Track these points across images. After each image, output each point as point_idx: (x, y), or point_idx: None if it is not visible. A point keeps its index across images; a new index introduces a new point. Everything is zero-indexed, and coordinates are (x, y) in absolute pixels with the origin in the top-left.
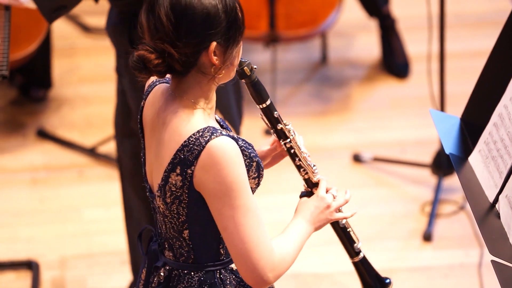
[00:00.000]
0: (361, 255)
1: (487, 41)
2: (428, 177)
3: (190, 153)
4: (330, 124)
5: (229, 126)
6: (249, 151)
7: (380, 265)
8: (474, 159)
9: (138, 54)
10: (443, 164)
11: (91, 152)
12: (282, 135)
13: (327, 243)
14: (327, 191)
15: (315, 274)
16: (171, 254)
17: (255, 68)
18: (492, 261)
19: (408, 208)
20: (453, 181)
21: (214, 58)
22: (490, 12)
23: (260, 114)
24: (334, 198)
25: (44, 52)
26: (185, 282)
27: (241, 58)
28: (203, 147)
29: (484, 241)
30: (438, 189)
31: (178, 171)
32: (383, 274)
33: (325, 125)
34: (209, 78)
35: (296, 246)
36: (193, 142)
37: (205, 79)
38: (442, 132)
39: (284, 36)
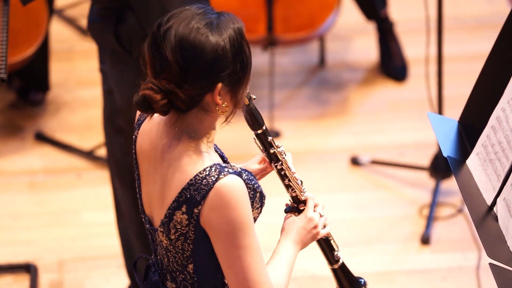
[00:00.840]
0: (340, 261)
1: (485, 44)
2: (426, 180)
3: (197, 192)
4: (328, 127)
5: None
6: (253, 182)
7: (378, 268)
8: (472, 162)
9: (143, 94)
10: (441, 167)
11: (90, 155)
12: (274, 158)
13: None
14: (314, 209)
15: (314, 277)
16: (174, 286)
17: (254, 98)
18: (490, 264)
19: (406, 211)
20: (451, 184)
21: (219, 98)
22: (488, 15)
23: (254, 138)
24: (320, 216)
25: (42, 55)
26: None
27: None
28: (211, 187)
29: (482, 244)
30: (436, 192)
31: (184, 209)
32: (382, 276)
33: (323, 128)
34: (210, 115)
35: (287, 272)
36: (200, 181)
37: (207, 116)
38: (440, 135)
39: (282, 39)
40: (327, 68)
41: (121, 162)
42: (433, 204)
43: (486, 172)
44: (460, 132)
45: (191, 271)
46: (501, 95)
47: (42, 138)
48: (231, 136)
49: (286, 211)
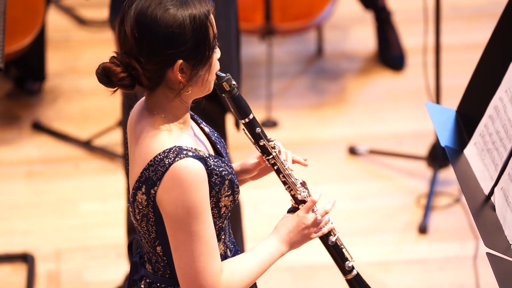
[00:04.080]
0: (354, 272)
1: (483, 34)
2: (424, 169)
3: (154, 173)
4: (326, 117)
5: (222, 141)
6: (221, 169)
7: (376, 258)
8: (470, 151)
9: (104, 66)
10: (438, 157)
11: (87, 145)
12: (265, 151)
13: None
14: (312, 211)
15: (310, 266)
16: (150, 267)
17: (234, 84)
18: (488, 254)
19: (404, 201)
20: (448, 173)
21: (181, 75)
22: (486, 4)
23: (243, 129)
24: (316, 219)
25: (39, 44)
26: None
27: (220, 73)
28: (167, 168)
29: (480, 234)
30: (433, 181)
31: (143, 189)
32: (379, 266)
33: (321, 118)
34: (176, 94)
35: (256, 268)
36: (157, 162)
37: (173, 95)
38: (438, 124)
39: (279, 29)
40: (325, 57)
41: None
42: (431, 194)
43: (483, 162)
44: (458, 121)
45: (160, 253)
46: (499, 85)
47: (39, 127)
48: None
49: (288, 211)
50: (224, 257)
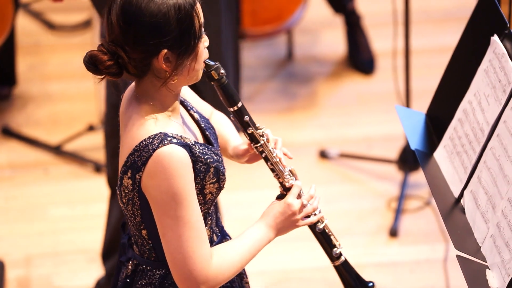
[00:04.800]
0: (342, 258)
1: (451, 37)
2: (394, 173)
3: (139, 158)
4: (297, 121)
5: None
6: (206, 157)
7: None
8: (440, 154)
9: (91, 54)
10: (409, 160)
11: (57, 150)
12: (253, 138)
13: (296, 239)
14: (299, 197)
15: (284, 271)
16: (137, 249)
17: (223, 73)
18: (458, 256)
19: (375, 204)
20: (419, 176)
21: (165, 64)
22: (454, 8)
23: (231, 116)
24: (303, 205)
25: (9, 49)
26: (147, 278)
27: (210, 61)
28: (151, 154)
29: (450, 236)
30: (404, 184)
31: (129, 174)
32: None
33: (291, 122)
34: (162, 83)
35: (245, 253)
36: (142, 148)
37: (160, 84)
38: (408, 128)
39: (250, 33)
40: (295, 61)
41: None
42: (401, 197)
43: (453, 165)
44: (427, 125)
45: (146, 236)
46: (468, 88)
47: (9, 133)
48: None
49: (276, 198)
50: (210, 241)
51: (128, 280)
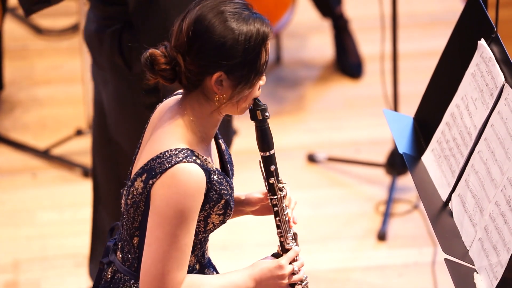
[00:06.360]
0: None
1: (439, 41)
2: (382, 176)
3: (159, 165)
4: (285, 125)
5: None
6: (221, 187)
7: (335, 265)
8: (427, 158)
9: (151, 53)
10: (397, 164)
11: (45, 155)
12: (271, 189)
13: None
14: (293, 261)
15: None
16: (120, 256)
17: (267, 116)
18: (446, 259)
19: (363, 208)
20: (407, 180)
21: (217, 87)
22: (441, 12)
23: (259, 160)
24: (293, 271)
25: None
26: None
27: (259, 101)
28: (172, 165)
29: (438, 240)
30: (392, 188)
31: (143, 177)
32: (338, 273)
33: (279, 126)
34: (210, 104)
35: None
36: (166, 157)
37: (206, 103)
38: (396, 131)
39: None
40: (283, 65)
41: (109, 168)
42: (389, 201)
43: (441, 168)
44: (415, 128)
45: (135, 244)
46: (455, 92)
47: None
48: None
49: (271, 254)
50: (192, 269)
51: (105, 287)
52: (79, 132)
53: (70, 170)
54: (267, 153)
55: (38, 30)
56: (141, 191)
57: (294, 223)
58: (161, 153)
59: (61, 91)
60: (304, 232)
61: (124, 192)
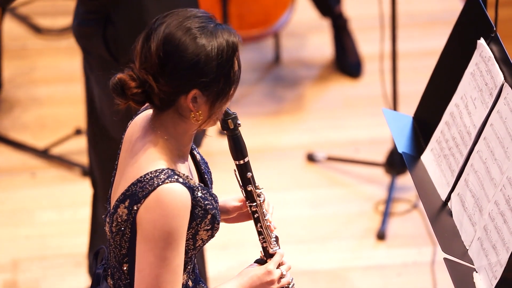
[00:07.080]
0: None
1: (438, 41)
2: (382, 176)
3: (141, 189)
4: (284, 124)
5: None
6: (206, 202)
7: (334, 264)
8: (427, 157)
9: (120, 78)
10: (396, 163)
11: (44, 154)
12: (250, 197)
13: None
14: (279, 265)
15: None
16: (111, 282)
17: (239, 124)
18: (445, 259)
19: (362, 207)
20: (406, 180)
21: (192, 105)
22: (441, 11)
23: (234, 169)
24: (282, 275)
25: None
26: None
27: (229, 110)
28: (154, 188)
29: (437, 239)
30: (391, 188)
31: (126, 203)
32: (337, 273)
33: (278, 125)
34: (185, 121)
35: None
36: (147, 180)
37: (181, 121)
38: (395, 131)
39: None
40: (282, 65)
41: (105, 164)
42: (389, 200)
43: (440, 168)
44: (414, 128)
45: (125, 271)
46: (455, 91)
47: None
48: None
49: (255, 262)
50: (185, 286)
51: None
52: (78, 132)
53: (69, 169)
54: (242, 161)
55: (38, 30)
56: (125, 217)
57: (275, 228)
58: (141, 177)
59: (60, 91)
60: (303, 231)
61: (107, 220)
